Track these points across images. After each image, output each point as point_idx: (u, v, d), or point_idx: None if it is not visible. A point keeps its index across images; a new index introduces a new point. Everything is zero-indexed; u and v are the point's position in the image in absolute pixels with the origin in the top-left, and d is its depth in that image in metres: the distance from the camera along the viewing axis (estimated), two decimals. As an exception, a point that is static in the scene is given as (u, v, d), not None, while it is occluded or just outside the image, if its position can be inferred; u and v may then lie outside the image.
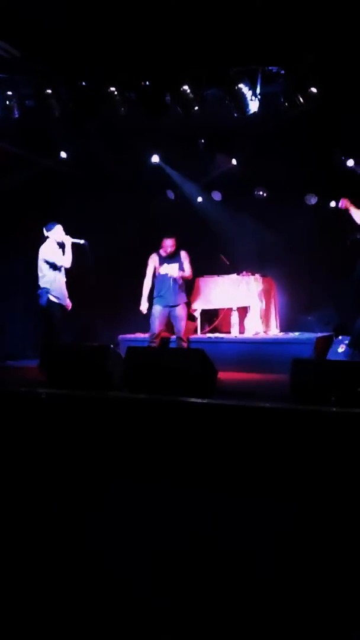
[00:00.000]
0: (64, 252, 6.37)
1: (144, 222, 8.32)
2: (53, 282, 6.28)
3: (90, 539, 2.50)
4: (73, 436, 3.46)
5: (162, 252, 6.76)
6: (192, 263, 6.84)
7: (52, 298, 6.27)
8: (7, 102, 6.46)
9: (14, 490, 3.04)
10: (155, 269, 6.81)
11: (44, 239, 6.39)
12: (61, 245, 6.40)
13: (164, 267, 6.76)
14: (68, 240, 6.37)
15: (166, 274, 6.72)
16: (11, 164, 7.72)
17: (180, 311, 6.77)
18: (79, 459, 3.31)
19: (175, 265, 6.73)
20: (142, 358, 4.86)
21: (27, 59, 6.09)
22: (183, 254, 6.78)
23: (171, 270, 6.71)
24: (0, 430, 3.70)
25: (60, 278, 6.37)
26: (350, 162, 7.77)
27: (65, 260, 6.34)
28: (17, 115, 6.54)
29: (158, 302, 6.76)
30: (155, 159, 8.39)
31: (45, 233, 6.38)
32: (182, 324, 6.78)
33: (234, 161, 8.31)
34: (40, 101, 6.38)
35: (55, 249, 6.36)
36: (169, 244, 6.73)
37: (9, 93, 6.45)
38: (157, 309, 6.75)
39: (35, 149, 7.81)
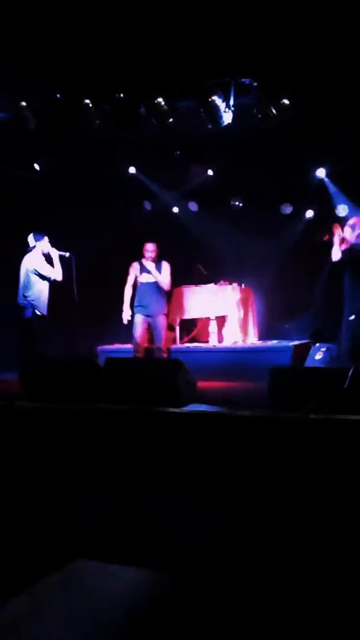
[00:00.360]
0: (51, 264, 6.36)
1: (121, 233, 8.32)
2: (40, 294, 6.29)
3: (70, 549, 2.48)
4: (51, 448, 3.43)
5: (143, 260, 6.72)
6: (172, 274, 6.84)
7: (37, 311, 6.26)
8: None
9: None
10: (136, 277, 6.79)
11: (29, 249, 6.38)
12: (46, 257, 6.38)
13: (144, 276, 6.74)
14: (55, 253, 6.36)
15: (147, 283, 6.70)
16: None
17: (160, 321, 6.76)
18: (57, 470, 3.29)
19: (156, 274, 6.71)
20: (120, 369, 4.84)
21: (1, 71, 6.07)
22: (164, 264, 6.77)
23: (151, 277, 6.69)
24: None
25: (46, 290, 6.36)
26: (321, 172, 7.90)
27: (57, 272, 6.34)
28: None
29: (139, 311, 6.73)
30: (131, 170, 8.42)
31: (33, 243, 6.37)
32: (161, 334, 6.77)
33: (210, 172, 8.37)
34: (14, 113, 6.37)
35: (43, 260, 6.35)
36: (150, 249, 6.69)
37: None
38: (139, 318, 6.72)
39: (10, 161, 7.78)
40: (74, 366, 4.81)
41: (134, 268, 6.82)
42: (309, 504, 2.67)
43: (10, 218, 7.67)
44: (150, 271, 6.69)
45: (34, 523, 2.83)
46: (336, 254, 5.74)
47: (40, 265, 6.29)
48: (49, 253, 6.36)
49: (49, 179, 8.22)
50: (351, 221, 5.93)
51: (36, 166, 7.96)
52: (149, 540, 2.61)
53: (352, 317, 5.56)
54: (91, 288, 8.30)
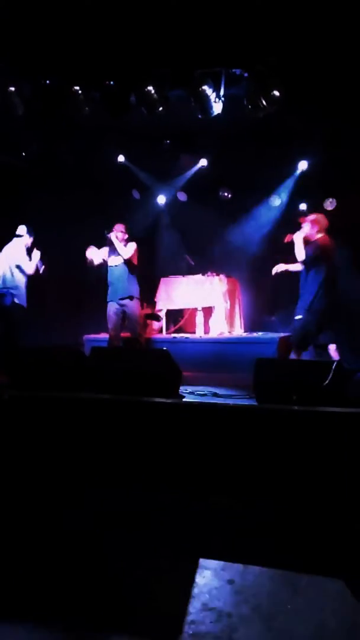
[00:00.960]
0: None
1: (108, 222, 8.29)
2: (20, 284, 6.35)
3: (58, 544, 2.49)
4: (36, 437, 3.43)
5: (112, 237, 6.49)
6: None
7: (15, 300, 6.27)
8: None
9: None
10: (103, 261, 6.57)
11: (13, 236, 6.41)
12: (28, 251, 6.47)
13: (112, 259, 6.55)
14: (36, 254, 6.47)
15: (115, 266, 6.50)
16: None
17: (133, 306, 6.54)
18: (42, 460, 3.29)
19: (120, 257, 6.49)
20: (106, 358, 4.85)
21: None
22: (131, 243, 6.53)
23: (117, 260, 6.48)
24: None
25: (24, 281, 6.41)
26: (303, 165, 7.96)
27: (32, 268, 6.45)
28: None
29: (111, 298, 6.55)
30: (120, 158, 8.38)
31: (24, 233, 6.46)
32: (136, 324, 6.60)
33: (204, 162, 8.32)
34: (3, 99, 6.31)
35: (25, 255, 6.46)
36: (119, 229, 6.52)
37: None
38: (111, 306, 6.54)
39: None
40: (59, 355, 4.80)
41: (103, 251, 6.58)
42: (292, 495, 2.71)
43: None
44: (116, 252, 6.47)
45: (20, 510, 2.83)
46: (300, 254, 5.53)
47: (24, 262, 6.40)
48: (30, 248, 6.48)
49: (36, 166, 8.15)
50: (311, 217, 5.81)
51: (24, 152, 7.89)
52: (136, 528, 2.63)
53: (299, 316, 5.51)
54: (77, 276, 8.28)
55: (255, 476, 2.85)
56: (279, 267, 5.84)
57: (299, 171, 8.18)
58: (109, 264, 6.58)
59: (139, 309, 6.76)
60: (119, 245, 6.47)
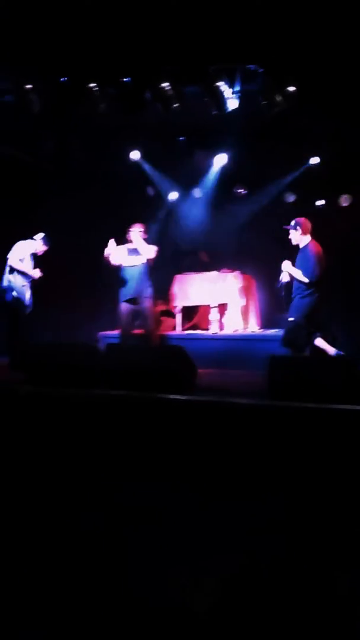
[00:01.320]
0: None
1: (122, 219, 8.32)
2: (22, 282, 6.56)
3: (70, 540, 2.51)
4: (50, 433, 3.46)
5: (129, 238, 6.50)
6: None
7: (14, 294, 6.47)
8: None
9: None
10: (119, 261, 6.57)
11: (29, 239, 6.60)
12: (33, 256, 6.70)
13: (129, 259, 6.55)
14: (33, 272, 6.66)
15: (132, 266, 6.51)
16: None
17: (147, 307, 6.56)
18: (55, 455, 3.32)
19: (140, 257, 6.51)
20: (121, 355, 4.87)
21: (6, 54, 6.03)
22: (152, 246, 6.53)
23: (136, 260, 6.52)
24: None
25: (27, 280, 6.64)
26: (315, 161, 7.94)
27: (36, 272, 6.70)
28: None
29: (124, 297, 6.57)
30: (135, 155, 8.38)
31: (38, 239, 6.66)
32: (149, 322, 6.62)
33: (225, 157, 8.26)
34: (19, 96, 6.34)
35: (28, 256, 6.65)
36: (139, 228, 6.51)
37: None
38: (123, 306, 6.57)
39: (14, 144, 7.75)
40: (74, 351, 4.84)
41: (121, 250, 6.56)
42: (306, 493, 2.70)
43: (11, 202, 7.66)
44: (136, 252, 6.48)
45: (33, 506, 2.86)
46: (303, 277, 5.76)
47: (28, 268, 6.60)
48: (38, 255, 6.69)
49: (52, 163, 8.19)
50: (294, 223, 5.90)
51: (42, 150, 7.93)
52: (148, 525, 2.64)
53: (291, 318, 5.77)
54: (92, 273, 8.31)
55: (270, 474, 2.85)
56: (285, 276, 5.90)
57: (312, 167, 8.12)
58: (126, 263, 6.58)
59: (153, 308, 6.77)
60: (141, 245, 6.49)
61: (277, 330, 7.87)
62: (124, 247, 6.60)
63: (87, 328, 8.30)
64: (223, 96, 5.80)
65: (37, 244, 6.67)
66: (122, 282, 6.61)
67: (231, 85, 5.83)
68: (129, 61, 5.99)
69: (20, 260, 6.55)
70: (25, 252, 6.60)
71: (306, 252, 5.79)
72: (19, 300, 6.49)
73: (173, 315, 8.26)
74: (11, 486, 3.06)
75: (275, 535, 2.46)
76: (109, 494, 2.90)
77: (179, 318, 8.19)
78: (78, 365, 4.55)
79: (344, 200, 7.98)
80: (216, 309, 7.90)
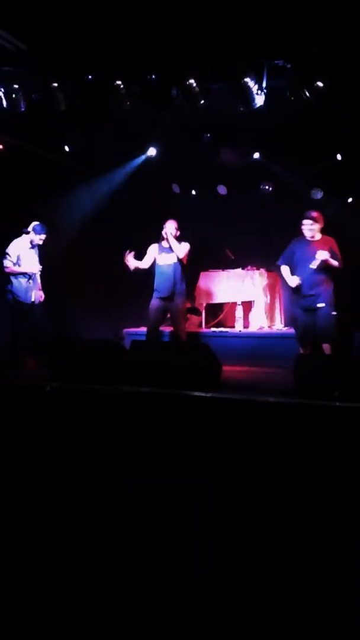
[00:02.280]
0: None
1: (148, 216, 8.32)
2: (18, 281, 6.55)
3: (96, 536, 2.52)
4: (76, 429, 3.48)
5: (163, 236, 6.55)
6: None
7: (13, 295, 6.51)
8: (13, 96, 6.46)
9: (17, 485, 3.06)
10: (155, 260, 6.66)
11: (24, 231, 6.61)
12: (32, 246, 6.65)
13: (162, 257, 6.60)
14: (32, 268, 6.61)
15: (164, 265, 6.55)
16: (16, 157, 7.72)
17: (178, 305, 6.58)
18: (81, 452, 3.34)
19: (174, 255, 6.54)
20: (146, 352, 4.88)
21: (34, 52, 6.07)
22: (184, 243, 6.57)
23: (170, 258, 6.56)
24: (3, 422, 3.72)
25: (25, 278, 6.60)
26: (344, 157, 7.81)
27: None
28: (23, 109, 6.54)
29: (156, 295, 6.61)
30: (160, 152, 8.37)
31: (30, 230, 6.56)
32: (179, 319, 6.63)
33: (257, 155, 8.21)
34: (46, 95, 6.38)
35: (26, 249, 6.62)
36: (173, 225, 6.54)
37: (15, 86, 6.43)
38: (155, 302, 6.61)
39: (40, 143, 7.81)
40: (100, 348, 4.86)
41: (153, 248, 6.67)
42: (333, 491, 2.67)
43: (40, 199, 7.72)
44: (169, 250, 6.52)
45: (59, 498, 2.88)
46: (335, 262, 5.86)
47: (26, 265, 6.54)
48: (37, 245, 6.62)
49: (77, 161, 8.23)
50: (313, 216, 6.00)
51: (66, 148, 7.97)
52: (170, 522, 2.64)
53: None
54: (116, 270, 8.34)
55: (295, 471, 2.83)
56: (320, 259, 5.81)
57: (338, 164, 8.00)
58: (159, 261, 6.61)
59: (184, 306, 6.78)
60: (174, 243, 6.51)
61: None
62: (156, 246, 6.64)
63: (112, 324, 8.34)
64: (251, 92, 5.75)
65: (30, 235, 6.54)
66: (155, 279, 6.63)
67: (258, 81, 5.77)
68: (155, 58, 5.98)
69: (17, 258, 6.48)
70: (20, 249, 6.52)
71: (330, 242, 5.91)
72: (17, 301, 6.48)
73: (198, 313, 8.25)
74: (37, 481, 3.09)
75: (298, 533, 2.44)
76: (133, 490, 2.90)
77: (204, 315, 8.18)
78: (103, 362, 4.56)
79: (315, 194, 7.93)
80: (241, 307, 7.86)
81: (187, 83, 5.93)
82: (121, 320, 8.34)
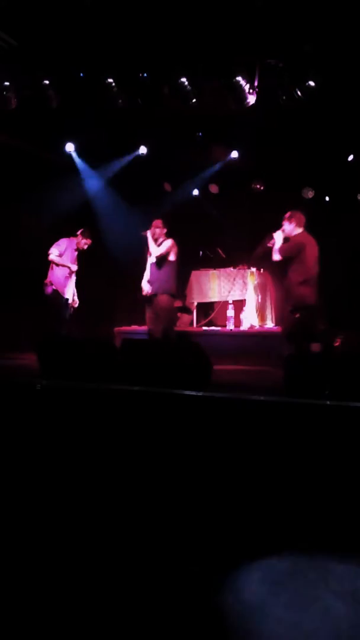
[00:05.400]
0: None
1: (139, 215, 8.32)
2: (56, 274, 6.88)
3: (89, 536, 2.51)
4: (66, 428, 3.47)
5: (146, 234, 6.53)
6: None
7: (53, 288, 6.81)
8: (4, 92, 6.43)
9: (9, 483, 3.05)
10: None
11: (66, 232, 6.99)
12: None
13: (150, 256, 6.58)
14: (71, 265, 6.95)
15: (151, 263, 6.54)
16: (7, 155, 7.68)
17: (161, 301, 6.47)
18: (72, 450, 3.33)
19: (158, 253, 6.48)
20: (137, 350, 4.87)
21: (25, 49, 6.05)
22: (166, 241, 6.49)
23: (153, 257, 6.54)
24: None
25: (65, 273, 6.87)
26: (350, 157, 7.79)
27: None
28: (14, 106, 6.51)
29: (145, 293, 6.59)
30: (150, 150, 8.37)
31: (79, 234, 6.93)
32: (163, 314, 6.50)
33: (235, 153, 8.26)
34: (37, 92, 6.35)
35: (63, 251, 6.94)
36: (156, 225, 6.50)
37: (6, 83, 6.40)
38: (147, 300, 6.58)
39: (31, 140, 7.78)
40: (90, 347, 4.85)
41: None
42: (324, 489, 2.68)
43: (26, 198, 7.69)
44: (154, 248, 6.51)
45: (49, 496, 2.87)
46: (276, 254, 5.81)
47: (66, 261, 6.87)
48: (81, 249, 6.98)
49: (68, 158, 8.20)
50: (289, 215, 5.92)
51: (60, 145, 7.94)
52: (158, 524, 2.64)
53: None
54: (108, 270, 8.34)
55: (285, 470, 2.83)
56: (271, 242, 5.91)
57: (333, 163, 8.02)
58: (149, 260, 6.62)
59: (169, 304, 6.63)
60: (151, 244, 6.52)
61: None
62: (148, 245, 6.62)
63: (103, 324, 8.33)
64: (242, 91, 5.75)
65: (77, 239, 6.93)
66: (144, 278, 6.63)
67: (250, 80, 5.78)
68: (147, 56, 5.97)
69: (59, 255, 6.81)
70: (64, 248, 6.85)
71: (292, 240, 5.83)
72: (57, 293, 6.78)
73: (190, 312, 8.25)
74: (27, 480, 3.08)
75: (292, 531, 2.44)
76: (122, 490, 2.90)
77: (195, 314, 8.18)
78: (94, 361, 4.55)
79: (307, 193, 7.95)
80: (232, 306, 7.88)
81: (179, 81, 5.93)
82: (112, 319, 8.33)
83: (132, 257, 7.38)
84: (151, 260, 6.56)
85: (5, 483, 3.05)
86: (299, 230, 5.75)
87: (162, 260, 6.47)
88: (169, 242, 6.48)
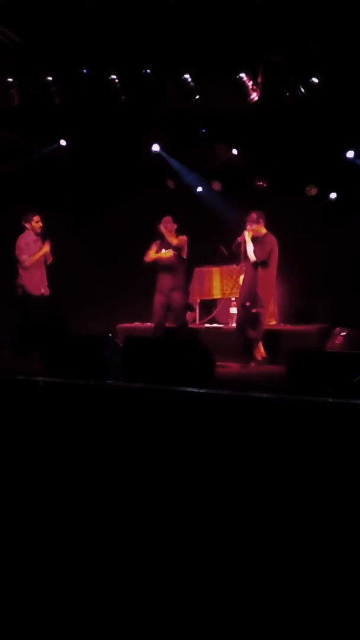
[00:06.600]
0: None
1: (142, 211, 8.31)
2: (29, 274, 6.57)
3: (89, 535, 2.52)
4: (69, 424, 3.47)
5: (161, 228, 6.55)
6: (189, 252, 6.72)
7: (24, 289, 6.54)
8: (8, 89, 6.42)
9: (9, 481, 3.05)
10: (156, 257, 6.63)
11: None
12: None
13: (162, 252, 6.58)
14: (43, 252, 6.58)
15: (163, 259, 6.55)
16: (10, 151, 7.68)
17: (176, 298, 6.53)
18: (74, 447, 3.33)
19: (171, 249, 6.53)
20: (140, 348, 4.87)
21: (28, 45, 6.04)
22: (181, 237, 6.56)
23: (169, 253, 6.56)
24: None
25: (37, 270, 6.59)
26: (350, 154, 7.74)
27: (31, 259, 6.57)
28: (17, 102, 6.50)
29: (157, 290, 6.61)
30: (155, 147, 8.35)
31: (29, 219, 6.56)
32: (179, 311, 6.59)
33: (234, 151, 8.25)
34: (40, 88, 6.35)
35: (27, 245, 6.59)
36: (168, 220, 6.55)
37: (9, 80, 6.40)
38: (157, 299, 6.61)
39: (35, 136, 7.77)
40: (93, 344, 4.85)
41: (156, 245, 6.67)
42: (326, 487, 2.68)
43: (33, 194, 7.69)
44: (168, 245, 6.53)
45: (50, 494, 2.87)
46: (252, 255, 6.22)
47: (37, 253, 6.52)
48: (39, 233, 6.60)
49: (73, 155, 8.19)
50: (254, 215, 6.29)
51: (62, 142, 7.92)
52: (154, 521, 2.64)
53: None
54: (111, 266, 8.33)
55: (288, 467, 2.83)
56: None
57: (341, 160, 7.97)
58: (160, 256, 6.60)
59: (184, 301, 6.75)
60: (170, 237, 6.50)
61: (296, 324, 7.82)
62: (157, 242, 6.62)
63: (106, 321, 8.32)
64: (246, 88, 5.74)
65: (29, 228, 6.56)
66: (155, 275, 6.62)
67: (254, 77, 5.76)
68: (150, 53, 5.96)
69: (30, 255, 6.47)
70: (28, 245, 6.51)
71: (264, 241, 6.28)
72: (27, 294, 6.49)
73: (192, 309, 8.25)
74: (30, 477, 3.08)
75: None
76: (125, 486, 2.90)
77: (198, 311, 8.17)
78: (96, 357, 4.56)
79: (310, 191, 7.95)
80: (235, 303, 7.86)
81: (182, 78, 5.92)
82: (115, 316, 8.33)
83: (131, 252, 7.38)
84: (164, 255, 6.55)
85: (8, 480, 3.06)
86: (264, 230, 6.12)
87: (179, 256, 6.52)
88: (184, 238, 6.57)
